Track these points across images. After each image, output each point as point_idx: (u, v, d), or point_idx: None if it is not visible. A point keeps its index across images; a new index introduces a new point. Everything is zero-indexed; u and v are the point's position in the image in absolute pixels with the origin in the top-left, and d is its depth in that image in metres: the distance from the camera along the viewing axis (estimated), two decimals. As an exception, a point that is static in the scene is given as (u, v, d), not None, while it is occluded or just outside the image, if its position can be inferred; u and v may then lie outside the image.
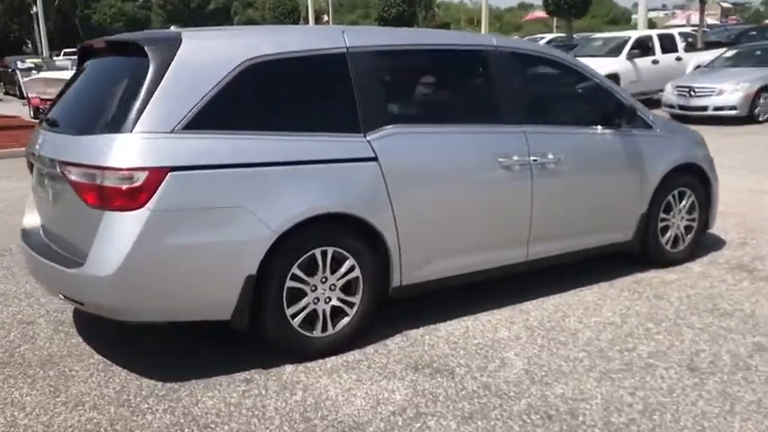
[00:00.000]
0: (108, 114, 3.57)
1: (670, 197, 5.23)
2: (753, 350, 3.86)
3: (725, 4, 68.76)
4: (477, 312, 4.45)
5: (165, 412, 3.33)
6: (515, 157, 4.36)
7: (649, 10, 44.53)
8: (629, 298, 4.71)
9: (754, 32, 24.31)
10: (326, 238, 3.79)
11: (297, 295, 3.74)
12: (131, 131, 3.38)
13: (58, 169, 3.62)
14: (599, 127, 4.84)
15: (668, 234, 5.28)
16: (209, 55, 3.64)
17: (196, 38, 3.70)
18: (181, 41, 3.59)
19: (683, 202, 5.32)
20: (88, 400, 3.47)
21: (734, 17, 57.36)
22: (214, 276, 3.53)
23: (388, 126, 3.96)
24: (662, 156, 5.14)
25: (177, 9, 72.41)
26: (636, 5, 50.76)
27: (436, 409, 3.32)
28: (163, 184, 3.35)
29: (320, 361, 3.82)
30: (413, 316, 4.34)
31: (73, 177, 3.51)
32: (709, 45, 19.46)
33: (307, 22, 45.84)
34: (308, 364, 3.78)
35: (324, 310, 3.84)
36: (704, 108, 13.78)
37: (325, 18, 49.38)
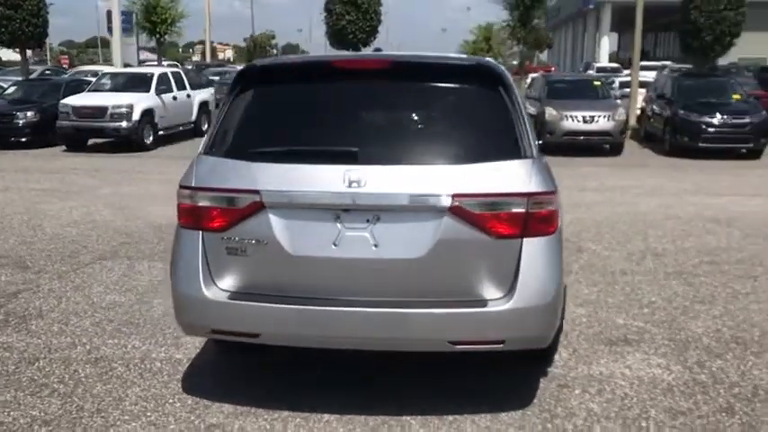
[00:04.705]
0: (485, 140, 3.53)
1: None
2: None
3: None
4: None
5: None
6: None
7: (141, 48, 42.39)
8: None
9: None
10: None
11: None
12: (531, 157, 3.40)
13: (437, 205, 3.26)
14: None
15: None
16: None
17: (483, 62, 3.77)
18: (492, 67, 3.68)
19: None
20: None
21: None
22: None
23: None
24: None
25: None
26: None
27: (698, 354, 4.35)
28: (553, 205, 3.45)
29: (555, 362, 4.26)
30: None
31: (476, 210, 3.27)
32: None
33: None
34: (552, 368, 4.17)
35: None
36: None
37: None
